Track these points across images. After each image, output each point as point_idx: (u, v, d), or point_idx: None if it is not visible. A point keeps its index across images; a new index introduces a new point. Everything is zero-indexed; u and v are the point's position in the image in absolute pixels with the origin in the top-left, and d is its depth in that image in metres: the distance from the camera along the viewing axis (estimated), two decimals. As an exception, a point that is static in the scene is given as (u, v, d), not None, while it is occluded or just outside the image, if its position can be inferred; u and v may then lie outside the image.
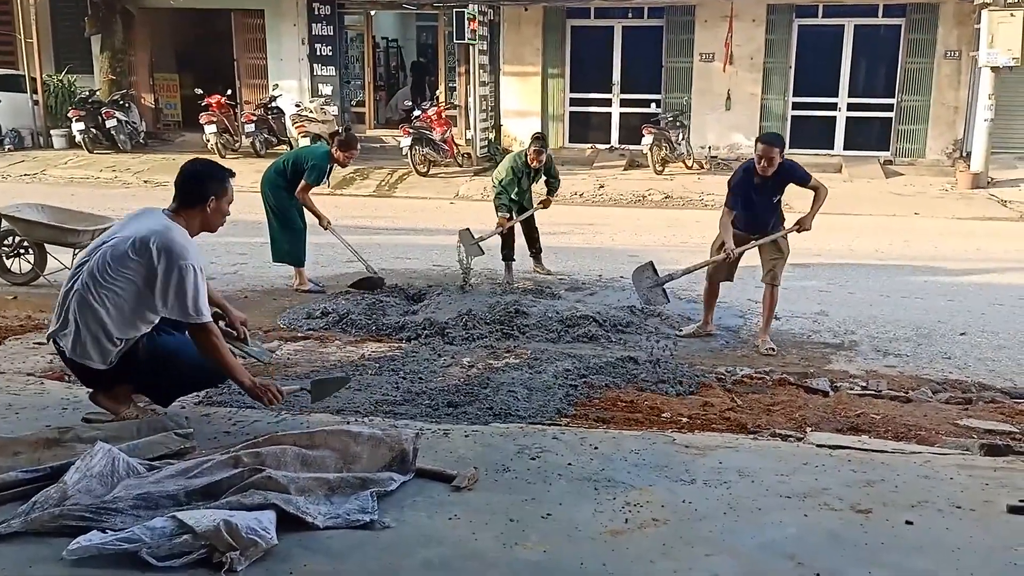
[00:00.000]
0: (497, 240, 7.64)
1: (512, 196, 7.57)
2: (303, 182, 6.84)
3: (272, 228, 7.05)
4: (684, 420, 3.96)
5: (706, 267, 5.82)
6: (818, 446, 3.38)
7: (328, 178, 7.21)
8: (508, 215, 7.53)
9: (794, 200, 12.05)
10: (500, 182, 7.56)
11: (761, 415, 4.07)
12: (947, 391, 4.67)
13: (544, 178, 7.85)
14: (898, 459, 3.24)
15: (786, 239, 5.76)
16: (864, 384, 4.76)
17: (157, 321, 3.43)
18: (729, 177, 5.87)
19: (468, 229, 7.57)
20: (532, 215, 7.77)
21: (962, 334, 5.90)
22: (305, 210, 7.02)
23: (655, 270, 6.02)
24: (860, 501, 2.84)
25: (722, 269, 5.78)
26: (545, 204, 7.93)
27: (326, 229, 7.08)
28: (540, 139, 7.67)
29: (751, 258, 5.86)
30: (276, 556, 2.49)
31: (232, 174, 3.66)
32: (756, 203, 5.60)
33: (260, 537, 2.52)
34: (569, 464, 3.18)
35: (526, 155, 7.53)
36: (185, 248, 3.33)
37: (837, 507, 2.81)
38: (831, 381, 4.81)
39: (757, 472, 3.09)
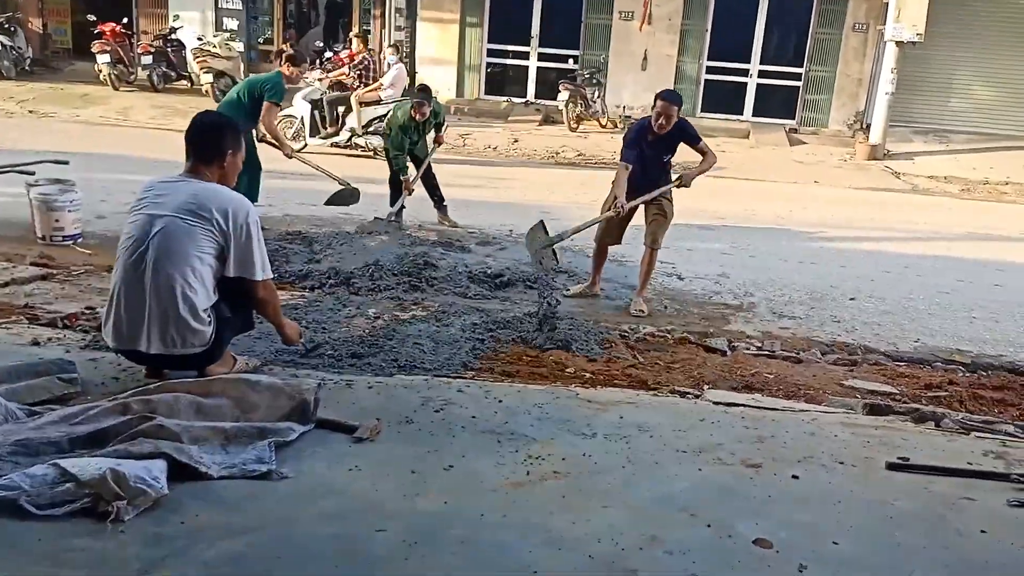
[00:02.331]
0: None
1: (404, 150, 7.48)
2: (267, 103, 6.71)
3: None
4: (588, 375, 4.02)
5: (595, 225, 5.79)
6: (714, 403, 3.49)
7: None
8: (408, 176, 7.47)
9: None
10: (392, 142, 7.47)
11: (662, 372, 4.17)
12: (835, 353, 4.88)
13: (434, 123, 7.71)
14: (787, 416, 3.38)
15: (671, 202, 5.77)
16: (760, 344, 4.94)
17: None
18: (624, 133, 5.87)
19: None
20: (429, 163, 7.69)
21: (852, 299, 6.17)
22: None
23: (546, 230, 5.85)
24: (751, 456, 2.96)
25: (611, 231, 5.79)
26: (438, 142, 7.86)
27: (290, 157, 6.96)
28: (424, 91, 7.55)
29: (640, 219, 5.90)
30: (166, 506, 2.42)
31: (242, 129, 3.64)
32: (648, 160, 5.60)
33: (149, 486, 2.43)
34: (473, 417, 3.18)
35: (410, 110, 7.39)
36: (241, 203, 3.27)
37: (729, 462, 2.91)
38: (729, 341, 4.96)
39: (655, 427, 3.17)
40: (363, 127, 11.11)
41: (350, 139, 11.20)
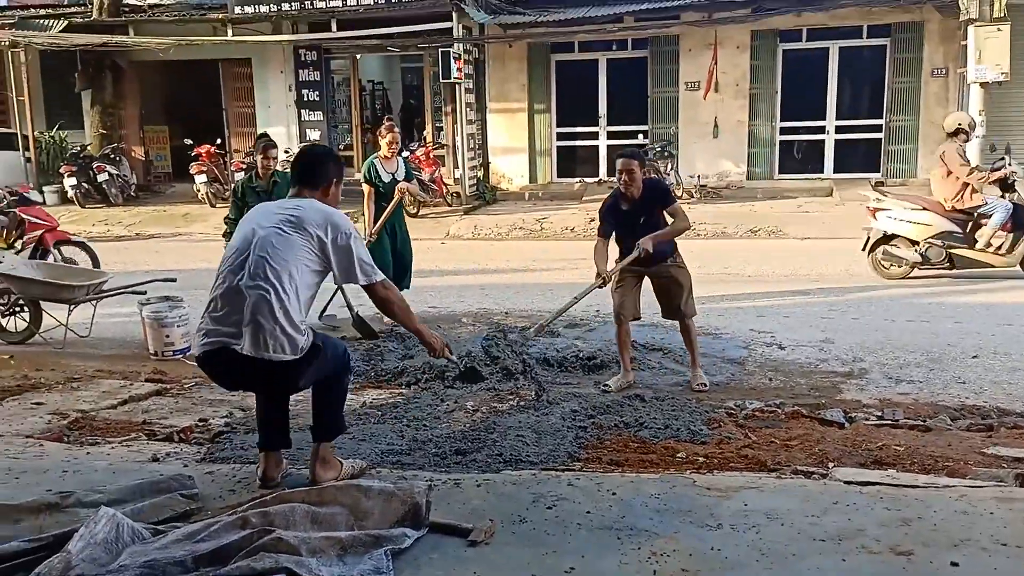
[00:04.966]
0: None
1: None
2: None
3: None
4: (701, 459, 3.86)
5: (576, 303, 5.62)
6: (845, 483, 3.27)
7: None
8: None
9: (791, 225, 12.00)
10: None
11: (779, 451, 3.96)
12: (966, 417, 4.55)
13: None
14: (932, 494, 3.13)
15: (683, 268, 5.52)
16: (880, 413, 4.65)
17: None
18: (600, 205, 5.70)
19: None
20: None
21: (974, 357, 5.80)
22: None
23: (505, 334, 5.96)
24: (899, 542, 2.73)
25: (628, 308, 5.52)
26: None
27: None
28: (263, 137, 7.35)
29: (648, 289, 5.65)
30: (290, 625, 2.38)
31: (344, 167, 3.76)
32: (628, 230, 5.42)
33: (273, 606, 2.40)
34: (588, 512, 3.07)
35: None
36: (341, 216, 3.37)
37: (876, 549, 2.69)
38: (845, 412, 4.70)
39: (786, 513, 2.98)
40: None
41: None
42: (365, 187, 7.10)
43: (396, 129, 7.31)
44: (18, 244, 9.13)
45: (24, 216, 9.07)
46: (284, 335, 3.17)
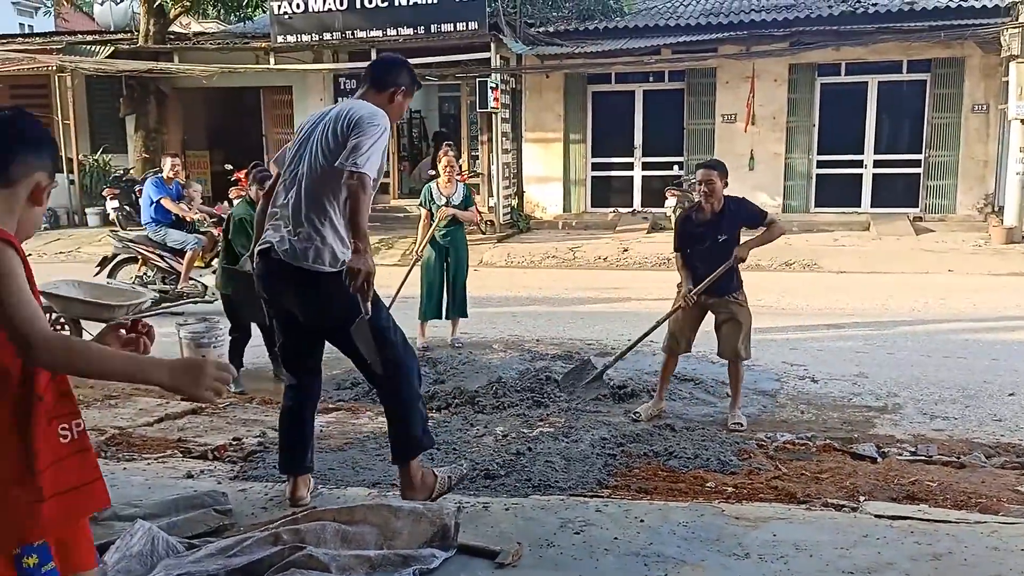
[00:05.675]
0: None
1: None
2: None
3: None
4: (730, 490, 3.84)
5: (657, 327, 5.51)
6: (876, 516, 3.24)
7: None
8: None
9: (826, 259, 11.88)
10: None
11: (810, 483, 3.93)
12: (1001, 455, 4.48)
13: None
14: (964, 529, 3.09)
15: (744, 306, 5.26)
16: (913, 449, 4.60)
17: None
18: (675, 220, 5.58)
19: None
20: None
21: (1011, 394, 5.71)
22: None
23: (591, 364, 6.02)
24: (929, 576, 2.71)
25: (681, 338, 5.39)
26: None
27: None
28: (257, 167, 6.51)
29: (709, 323, 5.45)
30: (319, 641, 2.41)
31: (419, 86, 3.56)
32: (700, 243, 5.17)
33: (303, 621, 2.44)
34: (615, 538, 3.07)
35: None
36: (377, 113, 3.17)
37: (905, 584, 2.68)
38: (878, 446, 4.65)
39: (814, 545, 2.96)
40: None
41: None
42: (422, 211, 7.26)
43: (451, 153, 7.44)
44: (215, 263, 9.30)
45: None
46: (324, 245, 3.16)
